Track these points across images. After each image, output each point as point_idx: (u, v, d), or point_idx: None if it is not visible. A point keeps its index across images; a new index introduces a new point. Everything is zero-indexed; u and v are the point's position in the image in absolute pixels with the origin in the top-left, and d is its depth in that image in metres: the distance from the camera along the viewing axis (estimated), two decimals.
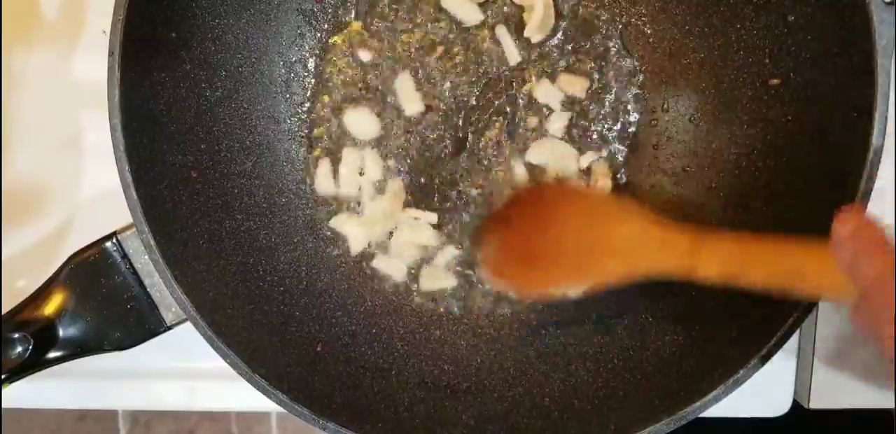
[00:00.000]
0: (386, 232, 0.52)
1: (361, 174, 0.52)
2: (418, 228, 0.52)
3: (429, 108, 0.52)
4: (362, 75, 0.52)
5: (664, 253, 0.41)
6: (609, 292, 0.51)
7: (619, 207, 0.45)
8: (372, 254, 0.53)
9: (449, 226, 0.53)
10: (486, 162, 0.52)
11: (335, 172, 0.52)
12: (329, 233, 0.53)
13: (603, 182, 0.51)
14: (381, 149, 0.52)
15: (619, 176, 0.52)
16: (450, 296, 0.52)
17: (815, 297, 0.37)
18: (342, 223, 0.52)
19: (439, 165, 0.52)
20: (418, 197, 0.52)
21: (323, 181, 0.52)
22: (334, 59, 0.52)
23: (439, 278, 0.52)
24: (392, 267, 0.52)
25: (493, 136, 0.52)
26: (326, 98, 0.52)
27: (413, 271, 0.53)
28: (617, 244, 0.43)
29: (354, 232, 0.52)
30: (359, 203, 0.53)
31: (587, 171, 0.52)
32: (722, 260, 0.39)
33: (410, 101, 0.52)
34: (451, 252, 0.52)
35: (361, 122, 0.52)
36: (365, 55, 0.52)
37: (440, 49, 0.51)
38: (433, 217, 0.52)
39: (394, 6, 0.51)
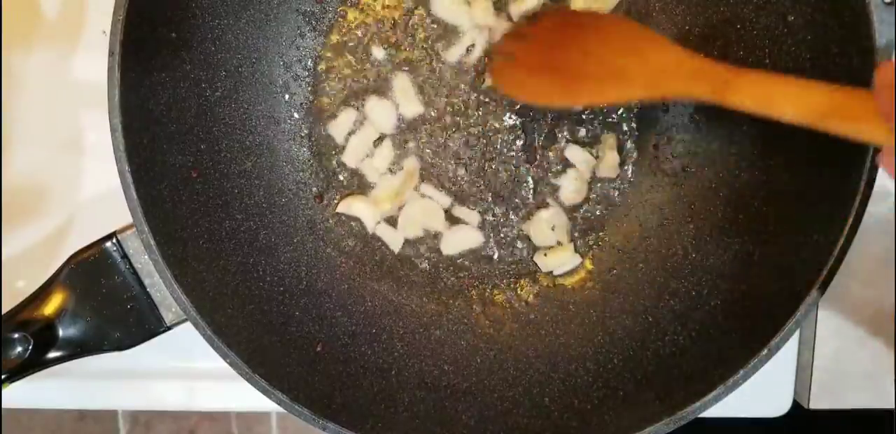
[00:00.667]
0: (396, 208, 0.53)
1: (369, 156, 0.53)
2: (429, 208, 0.52)
3: (428, 108, 0.52)
4: (362, 75, 0.52)
5: (697, 81, 0.40)
6: (608, 292, 0.51)
7: (653, 35, 0.44)
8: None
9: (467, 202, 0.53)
10: (493, 163, 0.52)
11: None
12: (330, 232, 0.53)
13: (611, 155, 0.51)
14: (394, 138, 0.53)
15: (625, 150, 0.52)
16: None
17: (846, 136, 0.36)
18: (349, 206, 0.52)
19: (451, 154, 0.53)
20: (432, 177, 0.53)
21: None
22: (334, 59, 0.52)
23: (463, 238, 0.53)
24: (393, 238, 0.53)
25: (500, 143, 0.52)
26: (326, 98, 0.52)
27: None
28: (649, 69, 0.42)
29: (365, 211, 0.52)
30: (359, 184, 0.53)
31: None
32: (756, 90, 0.38)
33: (409, 102, 0.52)
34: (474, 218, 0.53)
35: (380, 111, 0.52)
36: (364, 55, 0.52)
37: (436, 46, 0.51)
38: (446, 200, 0.53)
39: (391, 8, 0.51)
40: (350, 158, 0.52)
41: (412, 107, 0.52)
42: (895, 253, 0.53)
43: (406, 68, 0.52)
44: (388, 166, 0.52)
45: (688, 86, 0.41)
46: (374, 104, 0.52)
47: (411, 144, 0.52)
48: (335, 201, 0.53)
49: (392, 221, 0.53)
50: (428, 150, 0.52)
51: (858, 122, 0.35)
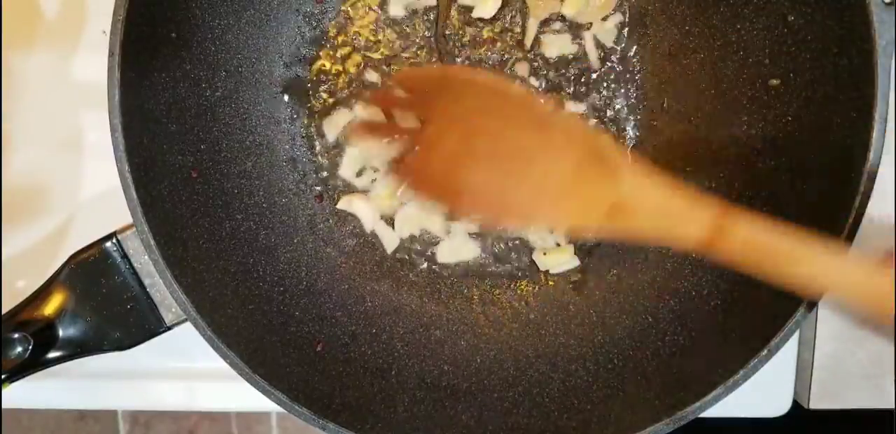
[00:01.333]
0: (395, 207, 0.53)
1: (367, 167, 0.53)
2: (429, 207, 0.52)
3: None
4: (362, 77, 0.52)
5: (685, 224, 0.35)
6: (608, 292, 0.51)
7: (621, 156, 0.36)
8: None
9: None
10: None
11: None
12: (330, 232, 0.53)
13: None
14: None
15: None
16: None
17: (831, 298, 0.34)
18: (349, 203, 0.52)
19: None
20: None
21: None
22: (334, 59, 0.52)
23: (460, 250, 0.53)
24: (390, 237, 0.53)
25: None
26: (326, 99, 0.52)
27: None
28: (627, 202, 0.35)
29: (364, 209, 0.52)
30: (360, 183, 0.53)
31: None
32: (747, 243, 0.34)
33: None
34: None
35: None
36: (363, 56, 0.52)
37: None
38: None
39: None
40: (346, 171, 0.52)
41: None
42: (895, 253, 0.52)
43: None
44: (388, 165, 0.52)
45: (675, 226, 0.34)
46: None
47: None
48: (335, 200, 0.53)
49: (391, 221, 0.53)
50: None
51: (852, 292, 0.33)
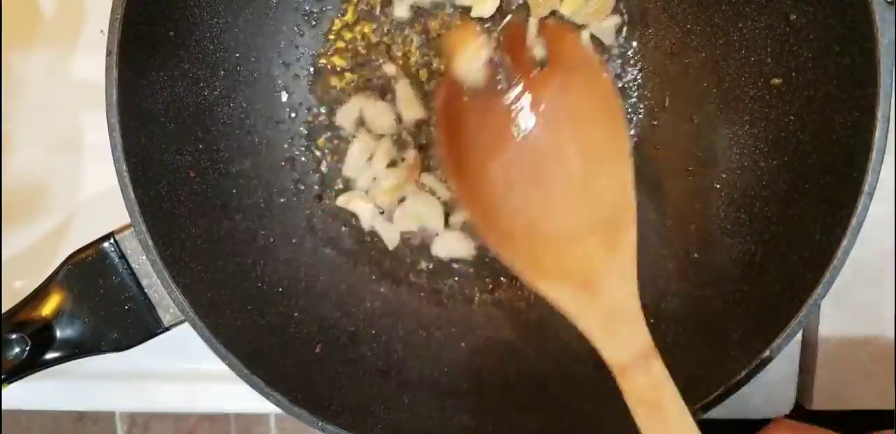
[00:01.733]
0: (395, 201, 0.52)
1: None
2: (428, 202, 0.52)
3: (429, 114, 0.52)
4: (361, 76, 0.52)
5: (620, 337, 0.33)
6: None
7: (630, 242, 0.33)
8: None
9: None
10: None
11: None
12: (329, 232, 0.52)
13: None
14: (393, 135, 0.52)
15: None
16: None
17: None
18: (348, 201, 0.52)
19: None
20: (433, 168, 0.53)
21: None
22: (334, 58, 0.52)
23: (455, 246, 0.52)
24: (390, 234, 0.52)
25: None
26: (326, 98, 0.52)
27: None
28: (597, 284, 0.33)
29: (363, 206, 0.52)
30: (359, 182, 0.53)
31: None
32: (649, 387, 0.33)
33: (410, 108, 0.51)
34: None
35: (378, 114, 0.52)
36: (363, 56, 0.52)
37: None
38: (447, 192, 0.52)
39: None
40: (350, 170, 0.52)
41: (413, 112, 0.51)
42: (895, 253, 0.52)
43: (408, 73, 0.51)
44: (387, 163, 0.52)
45: (605, 328, 0.32)
46: (372, 107, 0.51)
47: (410, 138, 0.52)
48: (335, 200, 0.53)
49: (391, 218, 0.53)
50: (429, 142, 0.52)
51: None
